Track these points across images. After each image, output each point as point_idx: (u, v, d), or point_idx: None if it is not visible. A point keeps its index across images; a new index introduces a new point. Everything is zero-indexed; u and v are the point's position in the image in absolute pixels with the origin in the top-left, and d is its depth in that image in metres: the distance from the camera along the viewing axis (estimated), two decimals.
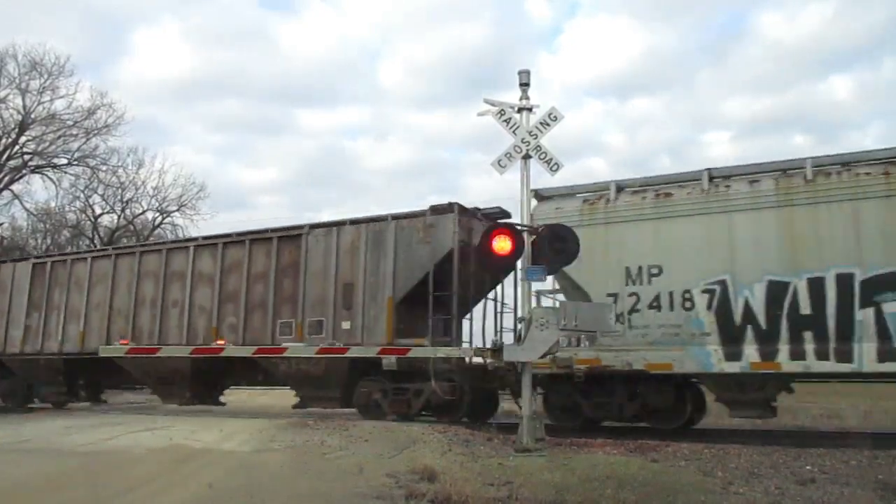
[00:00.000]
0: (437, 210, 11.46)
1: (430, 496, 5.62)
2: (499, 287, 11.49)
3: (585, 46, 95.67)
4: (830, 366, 8.99)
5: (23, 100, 28.67)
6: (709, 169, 10.40)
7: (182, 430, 9.87)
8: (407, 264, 11.46)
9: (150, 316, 13.89)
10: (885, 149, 9.56)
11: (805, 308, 9.20)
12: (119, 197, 32.98)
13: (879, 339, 8.68)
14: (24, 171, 30.02)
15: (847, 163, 9.68)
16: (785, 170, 9.97)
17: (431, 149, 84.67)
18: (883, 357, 8.64)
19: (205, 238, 14.23)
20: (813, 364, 9.08)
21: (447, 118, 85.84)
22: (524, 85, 8.96)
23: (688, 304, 9.85)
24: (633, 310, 10.22)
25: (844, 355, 8.86)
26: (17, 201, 30.68)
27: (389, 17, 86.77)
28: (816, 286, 9.16)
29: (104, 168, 31.11)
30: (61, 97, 29.41)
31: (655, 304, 10.11)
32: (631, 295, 10.27)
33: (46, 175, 30.51)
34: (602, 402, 10.46)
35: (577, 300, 10.36)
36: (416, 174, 78.70)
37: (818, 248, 9.29)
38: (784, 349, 9.19)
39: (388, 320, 11.33)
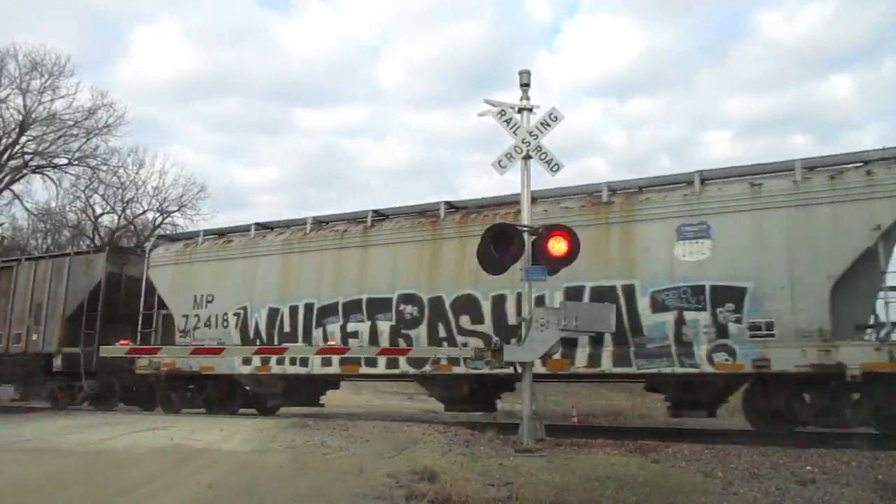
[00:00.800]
0: (96, 250, 16.55)
1: (431, 496, 5.61)
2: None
3: (585, 46, 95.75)
4: (295, 369, 12.32)
5: (23, 100, 28.76)
6: (256, 223, 13.97)
7: (182, 429, 9.88)
8: (74, 290, 15.41)
9: None
10: (357, 212, 12.90)
11: (287, 327, 12.49)
12: (119, 197, 33.01)
13: None
14: (24, 171, 30.08)
15: (321, 221, 13.28)
16: (293, 224, 13.59)
17: (431, 148, 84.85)
18: (325, 363, 11.98)
19: None
20: (288, 368, 12.33)
21: (447, 118, 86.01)
22: (525, 85, 8.93)
23: (225, 324, 13.20)
24: (196, 327, 13.55)
25: (304, 361, 12.22)
26: (17, 201, 30.81)
27: (388, 17, 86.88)
28: (293, 312, 12.41)
29: (104, 168, 31.18)
30: (62, 97, 29.52)
31: (209, 323, 13.40)
32: (195, 316, 13.62)
33: (47, 175, 30.60)
34: (185, 394, 13.97)
35: (172, 317, 14.12)
36: (415, 174, 78.96)
37: (300, 285, 12.56)
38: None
39: (59, 332, 15.27)
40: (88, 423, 11.23)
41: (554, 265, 8.33)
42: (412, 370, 11.36)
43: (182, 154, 76.29)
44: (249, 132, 78.46)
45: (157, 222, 33.23)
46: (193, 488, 6.21)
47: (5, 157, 28.99)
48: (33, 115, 28.87)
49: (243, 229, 14.12)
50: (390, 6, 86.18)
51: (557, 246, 8.16)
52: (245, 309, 12.99)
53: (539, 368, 9.84)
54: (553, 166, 8.67)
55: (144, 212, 33.82)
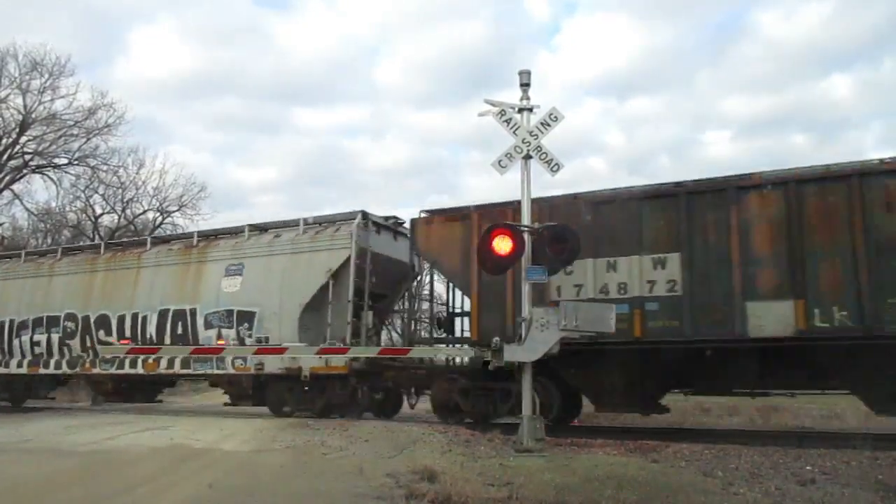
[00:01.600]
0: None
1: (431, 496, 5.60)
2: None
3: (584, 45, 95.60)
4: (53, 370, 15.16)
5: (23, 100, 28.73)
6: None
7: (182, 429, 9.89)
8: None
9: None
10: (49, 248, 16.88)
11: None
12: (120, 197, 32.99)
13: (27, 355, 15.42)
14: (24, 171, 30.09)
15: (30, 254, 17.19)
16: (11, 256, 17.42)
17: (430, 147, 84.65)
18: (18, 365, 15.34)
19: None
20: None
21: (446, 117, 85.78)
22: (525, 85, 8.93)
23: None
24: None
25: (7, 363, 15.56)
26: (17, 201, 30.76)
27: (388, 17, 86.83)
28: (1, 326, 15.66)
29: (105, 168, 31.15)
30: (62, 97, 29.47)
31: None
32: None
33: (47, 175, 30.59)
34: None
35: None
36: (415, 173, 78.76)
37: (7, 305, 15.78)
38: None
39: None
40: (88, 423, 11.24)
41: (553, 265, 8.38)
42: (69, 370, 14.74)
43: (181, 153, 76.19)
44: (249, 131, 78.36)
45: (158, 222, 33.27)
46: (193, 488, 6.20)
47: (5, 157, 29.01)
48: (33, 115, 28.89)
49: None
50: (390, 6, 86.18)
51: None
52: None
53: (139, 370, 13.48)
54: (553, 166, 8.68)
55: (144, 212, 33.86)
